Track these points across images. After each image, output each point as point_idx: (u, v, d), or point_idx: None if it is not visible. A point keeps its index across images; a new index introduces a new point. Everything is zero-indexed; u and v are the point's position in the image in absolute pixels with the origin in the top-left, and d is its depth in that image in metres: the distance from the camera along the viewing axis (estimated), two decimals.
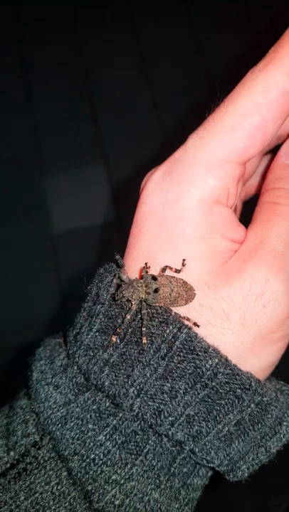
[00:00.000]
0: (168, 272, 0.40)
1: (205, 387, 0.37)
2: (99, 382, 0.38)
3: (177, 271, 0.39)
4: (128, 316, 0.39)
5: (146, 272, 0.40)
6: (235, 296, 0.37)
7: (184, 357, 0.37)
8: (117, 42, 1.71)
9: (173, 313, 0.38)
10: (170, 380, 0.37)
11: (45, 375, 0.40)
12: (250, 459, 0.39)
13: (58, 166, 1.53)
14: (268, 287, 0.37)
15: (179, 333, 0.37)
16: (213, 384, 0.37)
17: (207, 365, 0.36)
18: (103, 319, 0.40)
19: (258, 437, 0.38)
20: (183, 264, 0.38)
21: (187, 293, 0.39)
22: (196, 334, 0.37)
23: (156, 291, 0.39)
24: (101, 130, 1.57)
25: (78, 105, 1.61)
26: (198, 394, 0.37)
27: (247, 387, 0.37)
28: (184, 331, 0.37)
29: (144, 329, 0.38)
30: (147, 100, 1.61)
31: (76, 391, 0.39)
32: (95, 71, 1.67)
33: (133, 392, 0.37)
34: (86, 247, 1.35)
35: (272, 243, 0.38)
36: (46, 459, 0.38)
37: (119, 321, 0.39)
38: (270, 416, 0.38)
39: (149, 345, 0.37)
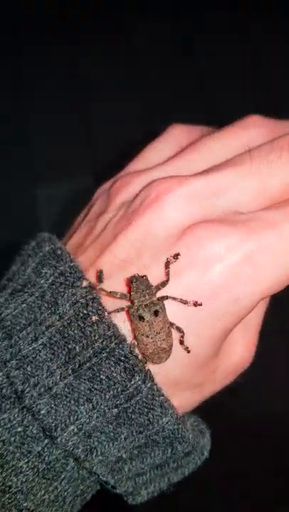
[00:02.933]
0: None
1: (148, 437, 0.36)
2: (34, 408, 0.33)
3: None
4: (90, 350, 0.34)
5: (159, 297, 0.36)
6: (219, 374, 0.39)
7: (139, 409, 0.34)
8: (115, 59, 1.72)
9: (140, 359, 0.35)
10: (115, 424, 0.35)
11: None
12: (153, 486, 0.38)
13: (48, 177, 1.52)
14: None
15: (142, 385, 0.34)
16: (157, 437, 0.36)
17: (160, 422, 0.35)
18: (55, 335, 0.34)
19: (167, 471, 0.38)
20: None
21: (153, 354, 0.36)
22: (157, 387, 0.35)
23: (140, 318, 0.36)
24: (93, 143, 1.58)
25: (71, 117, 1.62)
26: (138, 441, 0.35)
27: (185, 440, 0.36)
28: (148, 385, 0.34)
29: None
30: (141, 116, 1.61)
31: None
32: (88, 81, 1.68)
33: (72, 430, 0.34)
34: None
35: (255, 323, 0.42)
36: None
37: (77, 348, 0.34)
38: (189, 459, 0.38)
39: (106, 390, 0.34)
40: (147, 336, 0.35)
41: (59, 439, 0.33)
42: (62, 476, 0.35)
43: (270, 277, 0.34)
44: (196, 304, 0.34)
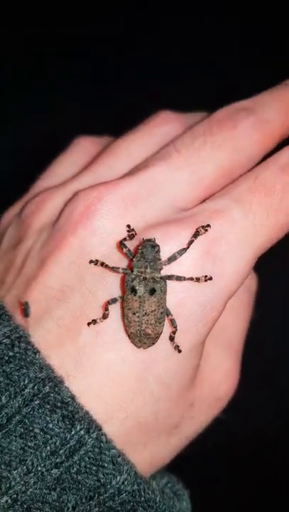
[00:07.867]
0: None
1: (102, 504, 0.29)
2: None
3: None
4: (19, 399, 0.27)
5: (152, 270, 0.31)
6: (198, 408, 0.35)
7: (85, 468, 0.28)
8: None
9: (82, 407, 0.29)
10: (59, 490, 0.28)
11: None
12: None
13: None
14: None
15: (86, 436, 0.28)
16: (113, 504, 0.29)
17: (113, 482, 0.29)
18: None
19: None
20: None
21: (134, 335, 0.30)
22: (106, 438, 0.29)
23: (133, 290, 0.31)
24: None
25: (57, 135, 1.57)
26: (90, 510, 0.29)
27: (151, 504, 0.30)
28: (93, 435, 0.28)
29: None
30: (117, 128, 1.58)
31: None
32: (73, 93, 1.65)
33: (6, 501, 0.27)
34: None
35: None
36: None
37: (3, 399, 0.28)
38: None
39: (42, 446, 0.28)
40: (134, 313, 0.31)
41: None
42: None
43: (233, 269, 0.31)
44: (206, 279, 0.30)
